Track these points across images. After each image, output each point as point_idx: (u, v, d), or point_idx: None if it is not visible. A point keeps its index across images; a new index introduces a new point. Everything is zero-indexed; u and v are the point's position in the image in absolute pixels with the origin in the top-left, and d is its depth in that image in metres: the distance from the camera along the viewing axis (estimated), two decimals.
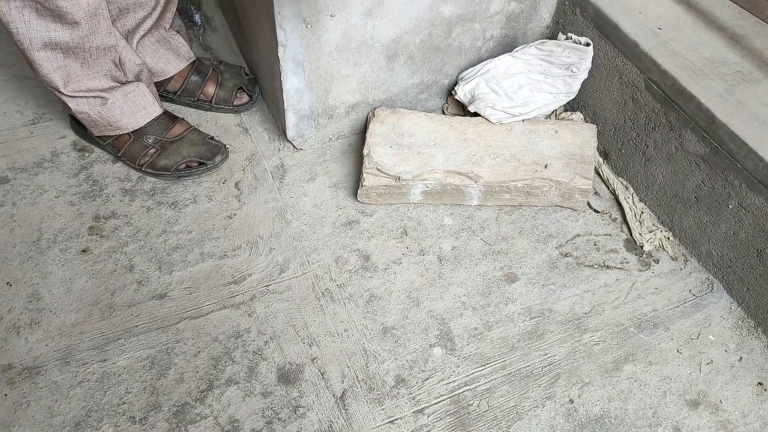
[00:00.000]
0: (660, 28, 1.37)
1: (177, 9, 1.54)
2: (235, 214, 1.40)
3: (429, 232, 1.39)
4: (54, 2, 1.15)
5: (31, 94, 1.60)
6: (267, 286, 1.29)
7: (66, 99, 1.33)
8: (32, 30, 1.20)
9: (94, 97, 1.35)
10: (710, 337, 1.25)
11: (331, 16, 1.29)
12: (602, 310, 1.28)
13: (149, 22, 1.44)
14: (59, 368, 1.15)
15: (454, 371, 1.18)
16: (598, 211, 1.45)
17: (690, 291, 1.32)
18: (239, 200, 1.43)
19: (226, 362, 1.17)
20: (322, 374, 1.17)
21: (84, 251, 1.32)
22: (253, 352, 1.19)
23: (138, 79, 1.42)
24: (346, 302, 1.27)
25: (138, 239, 1.34)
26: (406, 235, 1.39)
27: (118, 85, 1.38)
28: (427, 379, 1.17)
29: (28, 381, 1.13)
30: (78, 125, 1.48)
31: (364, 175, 1.38)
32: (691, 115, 1.26)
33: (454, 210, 1.43)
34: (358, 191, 1.40)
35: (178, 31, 1.54)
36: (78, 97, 1.34)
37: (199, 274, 1.29)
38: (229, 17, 1.77)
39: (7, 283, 1.26)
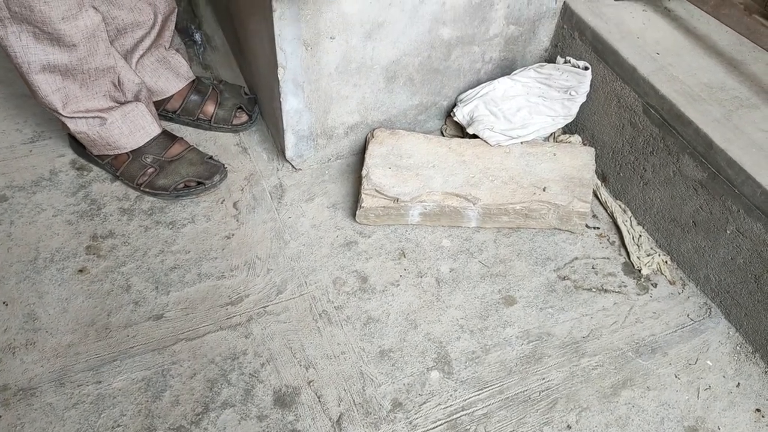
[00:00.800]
0: (658, 53, 1.38)
1: (177, 28, 1.54)
2: (233, 234, 1.40)
3: (427, 253, 1.39)
4: (52, 26, 1.16)
5: (30, 113, 1.60)
6: (264, 307, 1.28)
7: (65, 120, 1.34)
8: (30, 54, 1.20)
9: (93, 117, 1.35)
10: (708, 362, 1.25)
11: (331, 38, 1.30)
12: (600, 334, 1.28)
13: (147, 42, 1.45)
14: (54, 390, 1.14)
15: (451, 395, 1.18)
16: (597, 228, 1.45)
17: (688, 315, 1.32)
18: (237, 220, 1.42)
19: (222, 385, 1.16)
20: (318, 397, 1.16)
21: (81, 271, 1.31)
22: (250, 374, 1.18)
23: (137, 98, 1.42)
24: (343, 324, 1.26)
25: (135, 259, 1.34)
26: (404, 256, 1.38)
27: (117, 105, 1.38)
28: (424, 403, 1.17)
29: (23, 402, 1.12)
30: (77, 144, 1.48)
31: (363, 196, 1.38)
32: (689, 140, 1.27)
33: (452, 232, 1.43)
34: (357, 212, 1.40)
35: (177, 50, 1.54)
36: (77, 117, 1.34)
37: (196, 295, 1.29)
38: (230, 37, 1.77)
39: (4, 303, 1.25)
